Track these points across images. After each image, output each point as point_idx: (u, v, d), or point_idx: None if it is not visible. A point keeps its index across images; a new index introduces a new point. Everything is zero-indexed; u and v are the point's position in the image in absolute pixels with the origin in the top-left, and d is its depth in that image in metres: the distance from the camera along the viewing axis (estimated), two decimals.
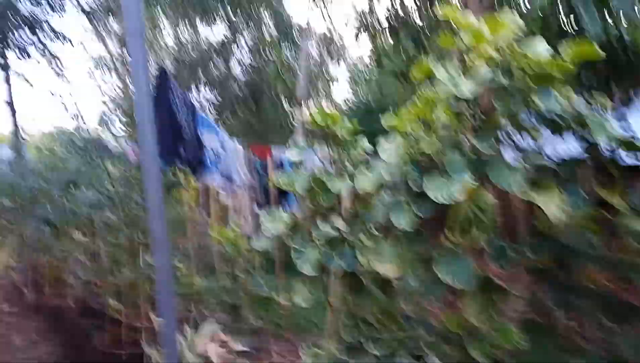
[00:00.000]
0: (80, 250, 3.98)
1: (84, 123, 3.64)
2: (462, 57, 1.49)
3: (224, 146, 4.05)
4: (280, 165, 7.09)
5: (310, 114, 1.66)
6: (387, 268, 1.32)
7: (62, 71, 13.97)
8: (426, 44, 5.06)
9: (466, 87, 1.19)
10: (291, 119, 21.18)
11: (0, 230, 6.88)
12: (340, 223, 1.62)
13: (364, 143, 1.72)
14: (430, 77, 1.44)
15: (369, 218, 1.56)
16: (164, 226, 2.59)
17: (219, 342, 2.41)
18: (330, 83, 20.70)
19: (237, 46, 18.52)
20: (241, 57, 19.04)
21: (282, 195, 6.20)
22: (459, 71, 1.32)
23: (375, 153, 1.94)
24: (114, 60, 18.00)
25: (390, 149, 1.35)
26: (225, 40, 17.75)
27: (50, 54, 13.32)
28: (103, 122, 3.48)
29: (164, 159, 2.95)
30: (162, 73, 2.92)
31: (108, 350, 3.63)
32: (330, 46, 16.96)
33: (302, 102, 9.39)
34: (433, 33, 5.17)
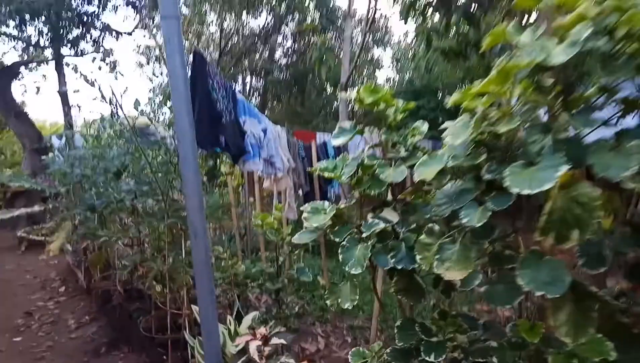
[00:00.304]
0: (125, 236, 4.00)
1: (128, 112, 3.60)
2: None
3: (266, 132, 3.90)
4: (324, 150, 6.91)
5: (357, 91, 1.44)
6: (452, 273, 1.11)
7: (112, 62, 14.35)
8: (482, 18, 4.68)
9: (558, 52, 0.95)
10: (336, 105, 20.95)
11: (57, 216, 7.17)
12: (392, 216, 1.42)
13: (420, 125, 1.50)
14: (505, 44, 1.20)
15: (428, 212, 1.35)
16: (202, 213, 2.48)
17: (260, 337, 2.27)
18: (375, 67, 20.27)
19: (281, 33, 18.44)
20: (285, 44, 18.96)
21: (327, 180, 6.04)
22: (544, 35, 1.07)
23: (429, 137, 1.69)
24: (160, 50, 18.34)
25: (456, 131, 1.12)
26: (269, 29, 17.69)
27: (100, 46, 13.68)
28: (145, 109, 3.40)
29: (204, 146, 2.84)
30: (198, 57, 2.78)
31: (152, 335, 3.63)
32: (374, 28, 16.52)
33: (347, 87, 9.11)
34: (489, 6, 4.77)
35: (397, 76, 20.20)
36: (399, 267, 1.32)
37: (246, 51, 17.68)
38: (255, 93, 19.23)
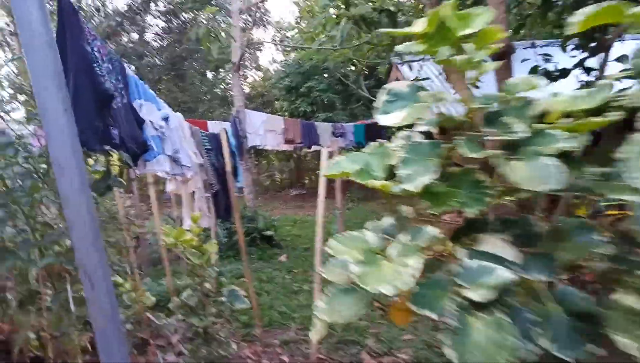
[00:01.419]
0: None
1: None
2: None
3: (168, 120, 2.98)
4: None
5: (432, 16, 0.75)
6: None
7: None
8: None
9: None
10: (220, 89, 19.61)
11: None
12: (503, 250, 0.77)
13: (539, 79, 0.85)
14: None
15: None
16: (99, 248, 1.61)
17: None
18: (258, 48, 19.36)
19: (151, 13, 16.64)
20: (157, 24, 17.18)
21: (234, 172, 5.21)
22: None
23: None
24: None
25: None
26: (137, 7, 15.80)
27: None
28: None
29: (90, 145, 1.89)
30: (66, 2, 1.77)
31: None
32: (254, 9, 15.58)
33: (240, 67, 8.21)
34: None
35: (283, 56, 19.53)
36: (564, 357, 0.67)
37: (112, 32, 15.53)
38: None
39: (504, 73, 3.16)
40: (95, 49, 2.02)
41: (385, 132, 11.83)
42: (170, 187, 3.58)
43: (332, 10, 5.70)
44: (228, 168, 4.11)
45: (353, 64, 15.00)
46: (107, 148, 1.99)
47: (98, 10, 16.38)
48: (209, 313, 2.73)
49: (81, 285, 1.89)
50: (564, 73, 4.02)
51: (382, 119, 0.84)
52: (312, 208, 13.60)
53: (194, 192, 4.05)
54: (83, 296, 1.90)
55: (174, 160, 3.13)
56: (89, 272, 1.53)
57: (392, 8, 5.06)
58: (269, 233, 8.18)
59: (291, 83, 14.67)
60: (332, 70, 14.41)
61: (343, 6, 4.50)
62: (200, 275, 2.79)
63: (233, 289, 2.88)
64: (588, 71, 3.84)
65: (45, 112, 1.54)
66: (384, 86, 0.88)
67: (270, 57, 34.23)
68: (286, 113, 15.71)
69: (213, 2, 13.97)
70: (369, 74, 14.52)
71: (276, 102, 19.60)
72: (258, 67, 21.55)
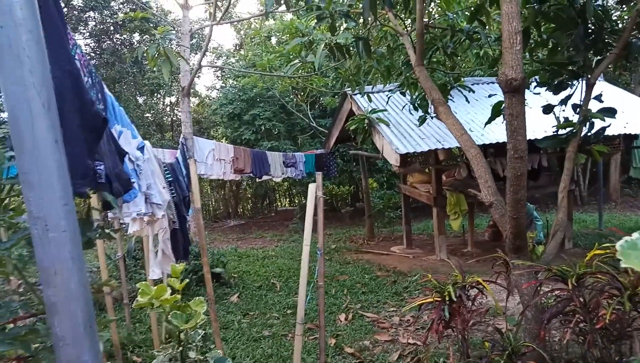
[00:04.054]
0: None
1: None
2: None
3: (143, 150, 2.45)
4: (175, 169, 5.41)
5: None
6: None
7: None
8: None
9: None
10: (150, 115, 18.55)
11: None
12: None
13: None
14: None
15: None
16: (95, 341, 1.10)
17: None
18: (197, 74, 18.68)
19: (81, 32, 15.53)
20: (88, 44, 16.02)
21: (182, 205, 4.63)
22: None
23: None
24: None
25: None
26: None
27: None
28: None
29: (75, 187, 1.37)
30: None
31: None
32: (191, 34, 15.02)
33: (189, 92, 7.64)
34: None
35: (221, 82, 18.95)
36: None
37: None
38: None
39: (517, 107, 3.04)
40: (77, 57, 1.52)
41: (335, 164, 11.67)
42: (134, 228, 2.98)
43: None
44: (198, 204, 3.58)
45: (295, 93, 14.83)
46: (92, 186, 1.47)
47: None
48: None
49: None
50: (549, 109, 4.02)
51: None
52: (254, 239, 12.95)
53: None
54: None
55: (146, 197, 2.59)
56: None
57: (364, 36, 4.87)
58: (217, 270, 7.53)
59: (234, 110, 14.17)
60: (278, 98, 14.14)
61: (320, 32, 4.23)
62: (182, 340, 2.24)
63: (222, 357, 2.34)
64: (575, 108, 3.85)
65: (22, 142, 1.03)
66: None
67: (209, 84, 33.51)
68: (227, 140, 15.09)
69: (151, 24, 13.22)
70: (312, 103, 14.42)
71: (212, 130, 18.87)
72: (195, 94, 20.80)
